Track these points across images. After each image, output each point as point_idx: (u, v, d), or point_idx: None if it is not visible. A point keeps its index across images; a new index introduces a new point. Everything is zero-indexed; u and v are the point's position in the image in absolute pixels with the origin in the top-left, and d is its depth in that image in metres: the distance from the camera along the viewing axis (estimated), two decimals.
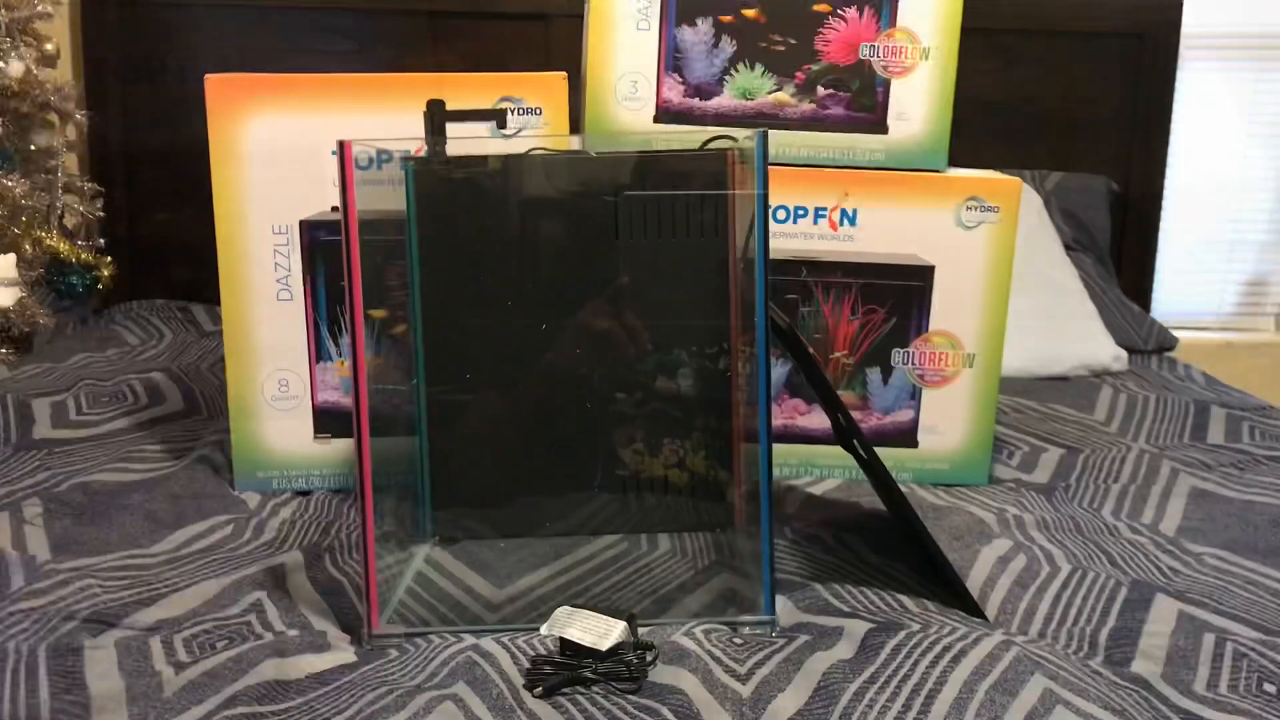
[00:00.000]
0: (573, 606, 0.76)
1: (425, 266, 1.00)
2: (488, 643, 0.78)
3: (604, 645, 0.72)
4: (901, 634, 0.76)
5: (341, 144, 0.79)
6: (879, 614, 0.82)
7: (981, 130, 1.98)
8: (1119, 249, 2.15)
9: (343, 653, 0.78)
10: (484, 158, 0.99)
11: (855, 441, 0.91)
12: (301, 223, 1.11)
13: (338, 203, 1.12)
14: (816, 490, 1.15)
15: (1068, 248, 1.97)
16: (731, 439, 1.04)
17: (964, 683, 0.70)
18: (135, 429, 1.27)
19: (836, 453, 1.20)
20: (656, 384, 1.02)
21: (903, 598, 0.86)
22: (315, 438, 1.14)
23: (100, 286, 1.90)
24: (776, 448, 1.17)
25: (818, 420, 1.21)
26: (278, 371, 1.12)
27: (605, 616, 0.74)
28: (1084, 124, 2.13)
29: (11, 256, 1.69)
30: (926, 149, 1.19)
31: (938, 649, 0.74)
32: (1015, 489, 1.17)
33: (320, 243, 1.11)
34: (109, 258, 1.88)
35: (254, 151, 1.09)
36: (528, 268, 1.00)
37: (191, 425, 1.29)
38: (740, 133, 1.00)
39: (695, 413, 1.03)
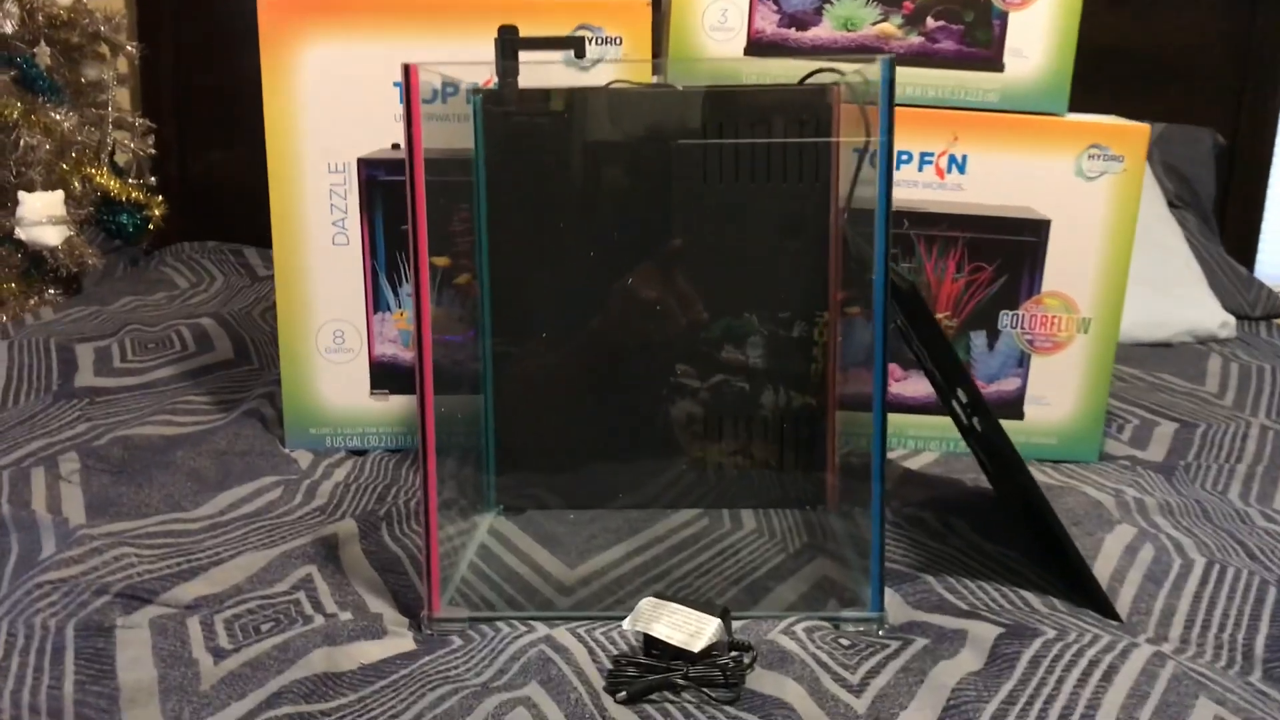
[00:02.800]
0: (659, 598, 0.67)
1: (493, 210, 0.91)
2: (562, 634, 0.69)
3: (696, 645, 0.63)
4: (1037, 642, 0.66)
5: (406, 68, 0.70)
6: (1003, 614, 0.72)
7: (1077, 76, 1.85)
8: (1223, 207, 2.01)
9: (401, 639, 0.70)
10: (559, 91, 0.90)
11: (975, 423, 0.81)
12: (359, 161, 1.02)
13: (399, 139, 1.03)
14: (913, 464, 1.05)
15: (1170, 204, 1.84)
16: (825, 408, 0.94)
17: (1121, 707, 0.60)
18: (181, 378, 1.20)
19: (933, 423, 1.10)
20: (743, 347, 0.92)
21: (1026, 594, 0.76)
22: (372, 394, 1.06)
23: (151, 226, 1.83)
24: (866, 416, 1.07)
25: (913, 387, 1.11)
26: (332, 322, 1.04)
27: (696, 611, 0.65)
28: (1189, 72, 1.98)
29: (59, 194, 1.62)
30: (1045, 90, 1.07)
31: (1083, 663, 0.64)
32: (1130, 467, 1.06)
33: (379, 183, 1.02)
34: (160, 197, 1.82)
35: (310, 82, 1.00)
36: (604, 214, 0.91)
37: (241, 376, 1.22)
38: (845, 66, 0.90)
39: (785, 379, 0.93)
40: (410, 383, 1.06)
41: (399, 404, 1.06)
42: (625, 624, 0.66)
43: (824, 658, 0.66)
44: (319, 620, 0.71)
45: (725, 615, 0.65)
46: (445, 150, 0.95)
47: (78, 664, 0.64)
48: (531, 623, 0.72)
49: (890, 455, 1.07)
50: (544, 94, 0.90)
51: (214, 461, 0.98)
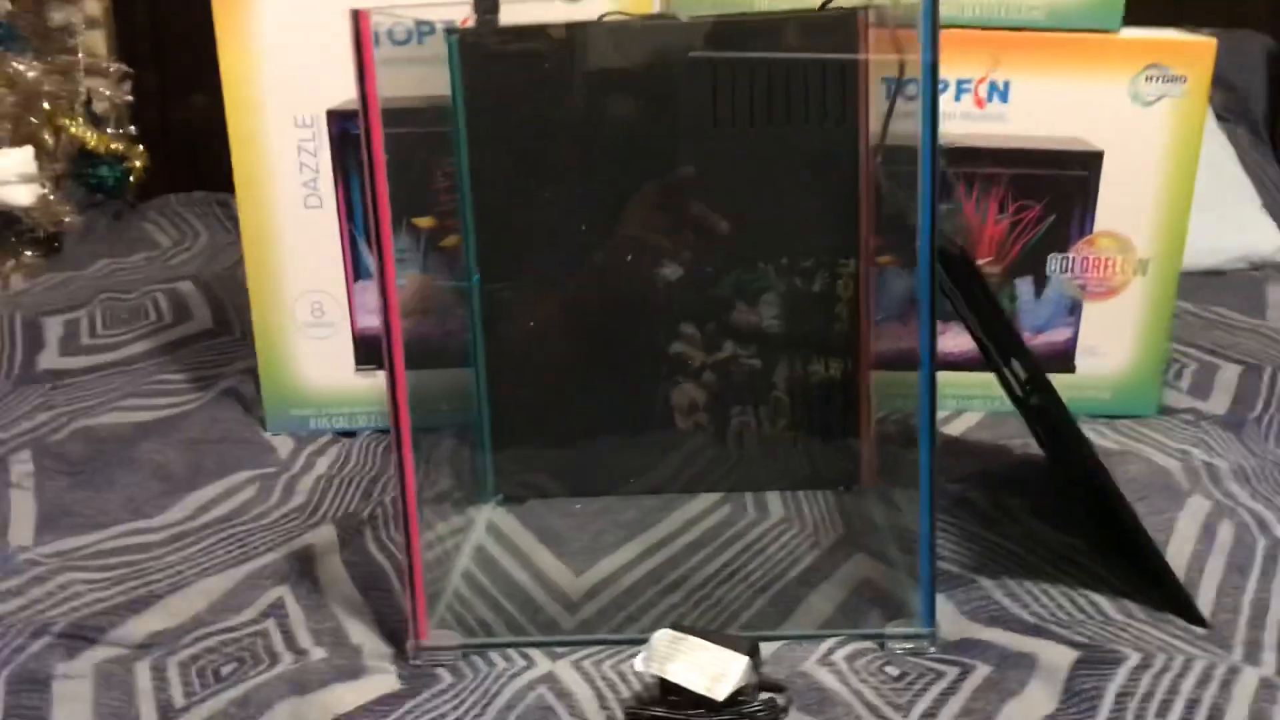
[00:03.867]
0: (677, 629, 0.57)
1: (477, 164, 0.80)
2: (565, 670, 0.60)
3: (720, 692, 0.53)
4: (1120, 674, 0.57)
5: (355, 14, 0.59)
6: (1075, 629, 0.62)
7: None
8: (1274, 121, 1.87)
9: (382, 677, 0.61)
10: (545, 27, 0.78)
11: (1033, 400, 0.71)
12: (329, 113, 0.91)
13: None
14: (955, 429, 0.95)
15: (1218, 117, 1.70)
16: (856, 373, 0.84)
17: None
18: (156, 354, 1.10)
19: (977, 381, 0.99)
20: (758, 306, 0.82)
21: (1098, 598, 0.66)
22: (357, 370, 0.96)
23: (133, 178, 1.73)
24: (902, 377, 0.97)
25: (953, 341, 1.00)
26: (309, 293, 0.94)
27: (718, 647, 0.56)
28: None
29: (28, 149, 1.52)
30: (1097, 5, 0.95)
31: (1179, 705, 0.54)
32: (1194, 422, 0.96)
33: (353, 137, 0.91)
34: (141, 146, 1.71)
35: (269, 26, 0.89)
36: (601, 164, 0.80)
37: (221, 348, 1.12)
38: None
39: (809, 340, 0.83)
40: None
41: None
42: (638, 663, 0.56)
43: (870, 696, 0.57)
44: (287, 659, 0.62)
45: (754, 651, 0.56)
46: (424, 98, 0.84)
47: None
48: (531, 653, 0.63)
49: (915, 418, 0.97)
50: (529, 31, 0.78)
51: (185, 454, 0.88)
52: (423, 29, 0.88)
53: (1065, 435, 0.69)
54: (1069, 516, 0.77)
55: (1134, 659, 0.58)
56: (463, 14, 0.86)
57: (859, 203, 0.81)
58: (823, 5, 0.79)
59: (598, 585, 0.71)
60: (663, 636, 0.57)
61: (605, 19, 0.81)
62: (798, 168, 0.80)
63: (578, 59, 0.78)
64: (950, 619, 0.65)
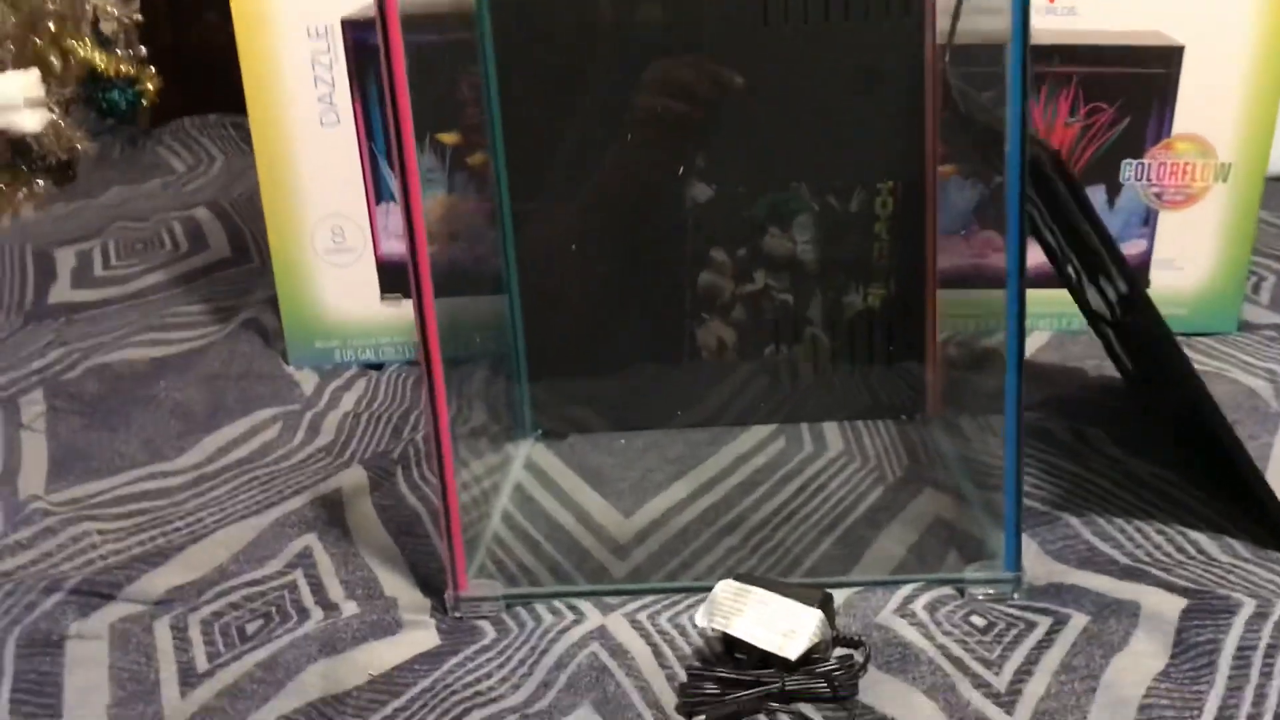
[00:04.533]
0: (739, 580, 0.52)
1: (505, 73, 0.74)
2: (618, 624, 0.55)
3: (792, 650, 0.48)
4: (1237, 624, 0.51)
5: None
6: (1175, 570, 0.57)
7: None
8: None
9: (421, 631, 0.56)
10: None
11: (1126, 318, 0.64)
12: (344, 22, 0.84)
13: None
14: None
15: None
16: (920, 292, 0.78)
17: None
18: (172, 284, 1.05)
19: (1042, 298, 0.93)
20: (813, 222, 0.76)
21: (1197, 536, 0.61)
22: (383, 298, 0.90)
23: (145, 102, 1.67)
24: (968, 296, 0.91)
25: None
26: (329, 218, 0.88)
27: (788, 599, 0.50)
28: None
29: (34, 72, 1.45)
30: None
31: None
32: (1278, 338, 0.89)
33: (370, 47, 0.85)
34: (152, 68, 1.65)
35: None
36: (641, 68, 0.73)
37: (239, 277, 1.07)
38: None
39: (868, 258, 0.77)
40: None
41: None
42: (699, 618, 0.51)
43: (956, 650, 0.52)
44: (317, 614, 0.57)
45: (827, 603, 0.51)
46: (446, 2, 0.77)
47: (14, 698, 0.52)
48: (579, 604, 0.58)
49: (988, 340, 0.90)
50: None
51: (204, 390, 0.84)
52: None
53: (1164, 356, 0.62)
54: (1155, 445, 0.71)
55: (1249, 606, 0.52)
56: None
57: (921, 108, 0.75)
58: None
59: (647, 528, 0.66)
60: (726, 588, 0.52)
61: None
62: (856, 71, 0.73)
63: None
64: (1035, 561, 0.59)
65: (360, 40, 0.84)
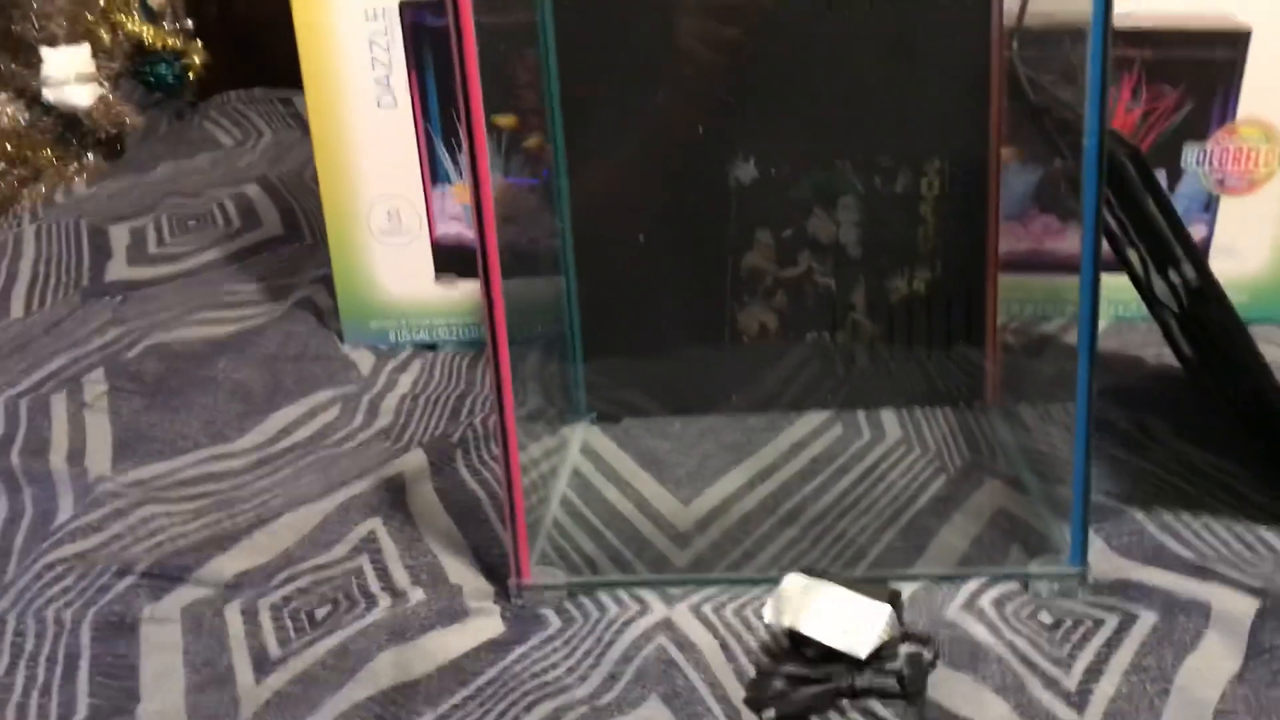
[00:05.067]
0: (806, 574, 0.52)
1: (566, 55, 0.73)
2: (683, 616, 0.55)
3: (861, 648, 0.48)
4: None
5: None
6: (1246, 568, 0.56)
7: None
8: None
9: (486, 619, 0.57)
10: None
11: (1201, 305, 0.64)
12: (401, 4, 0.84)
13: None
14: (1072, 338, 0.87)
15: None
16: (979, 277, 0.77)
17: None
18: (226, 262, 1.06)
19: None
20: (872, 205, 0.75)
21: (1267, 534, 0.60)
22: (437, 279, 0.91)
23: (192, 76, 1.68)
24: (1019, 280, 0.90)
25: (1073, 242, 0.92)
26: (384, 199, 0.88)
27: (856, 595, 0.50)
28: None
29: (85, 48, 1.46)
30: None
31: None
32: None
33: (428, 29, 0.84)
34: (199, 42, 1.65)
35: None
36: (706, 48, 0.73)
37: (292, 255, 1.07)
38: None
39: (928, 242, 0.76)
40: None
41: (469, 290, 0.91)
42: (767, 613, 0.52)
43: (1025, 649, 0.52)
44: (385, 602, 0.58)
45: (896, 599, 0.51)
46: None
47: (94, 681, 0.52)
48: (643, 594, 0.58)
49: (1047, 327, 0.90)
50: None
51: (262, 371, 0.84)
52: None
53: (1234, 347, 0.62)
54: (1220, 438, 0.70)
55: None
56: None
57: (986, 91, 0.74)
58: None
59: (708, 516, 0.66)
60: (793, 582, 0.52)
61: None
62: (919, 53, 0.73)
63: None
64: (1101, 556, 0.59)
65: (418, 22, 0.84)
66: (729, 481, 0.69)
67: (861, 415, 0.77)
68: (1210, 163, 0.89)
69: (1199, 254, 0.63)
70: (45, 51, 1.42)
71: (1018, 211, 0.90)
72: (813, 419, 0.76)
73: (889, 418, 0.76)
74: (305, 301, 0.96)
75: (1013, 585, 0.57)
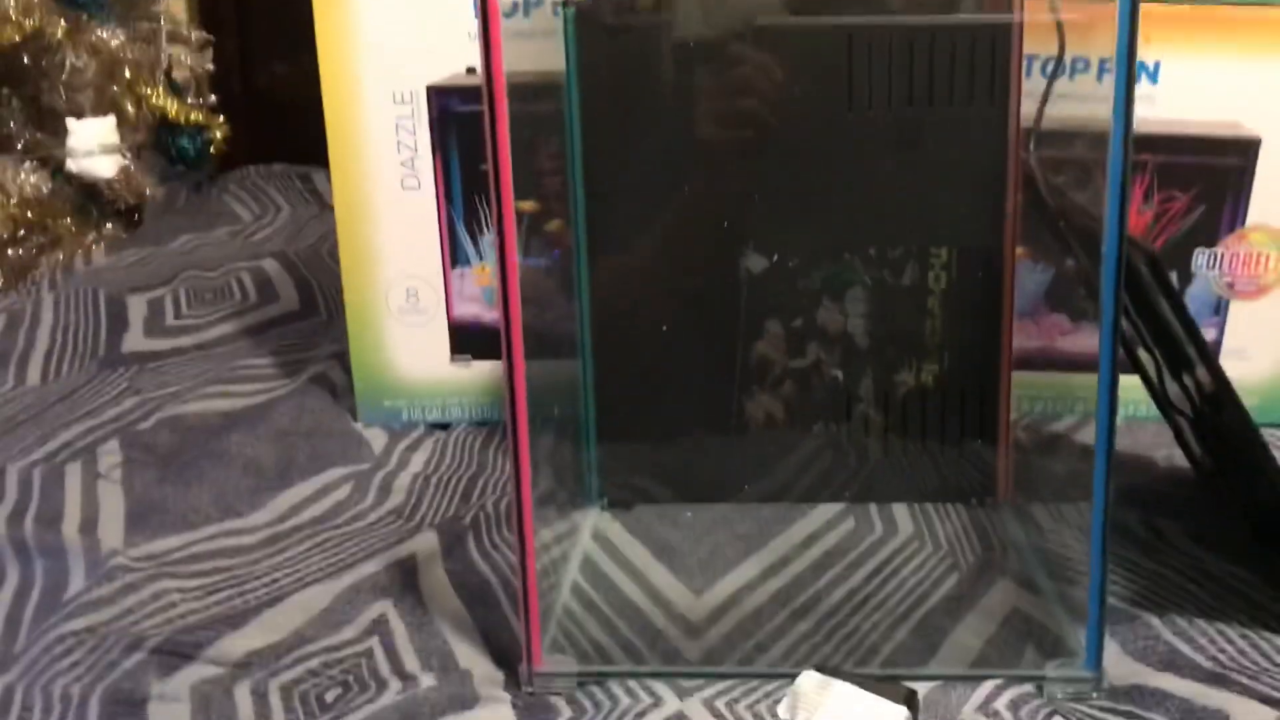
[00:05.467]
0: (822, 673, 0.52)
1: (589, 145, 0.75)
2: (696, 710, 0.55)
3: None
4: None
5: None
6: (1263, 677, 0.56)
7: None
8: None
9: (496, 706, 0.56)
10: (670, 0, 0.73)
11: (1207, 410, 0.64)
12: (430, 89, 0.86)
13: (475, 62, 0.86)
14: (1087, 436, 0.87)
15: None
16: (994, 375, 0.78)
17: None
18: (241, 336, 1.07)
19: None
20: (885, 299, 0.76)
21: None
22: (452, 359, 0.91)
23: (213, 149, 1.70)
24: (1039, 379, 0.91)
25: (1084, 341, 0.93)
26: (405, 279, 0.89)
27: (872, 695, 0.50)
28: None
29: (111, 119, 1.49)
30: None
31: None
32: None
33: (454, 115, 0.86)
34: (221, 116, 1.68)
35: None
36: (726, 143, 0.74)
37: (308, 330, 1.08)
38: None
39: (943, 337, 0.77)
40: (495, 346, 0.91)
41: (483, 370, 0.92)
42: (782, 711, 0.51)
43: None
44: (395, 685, 0.57)
45: (912, 700, 0.51)
46: (528, 74, 0.78)
47: None
48: (655, 686, 0.58)
49: (1059, 425, 0.90)
50: (652, 4, 0.73)
51: (275, 446, 0.84)
52: (530, 1, 0.82)
53: (1247, 452, 0.62)
54: (1233, 542, 0.70)
55: None
56: None
57: (1003, 192, 0.75)
58: None
59: (720, 608, 0.66)
60: (808, 680, 0.52)
61: None
62: (936, 153, 0.74)
63: (706, 33, 0.72)
64: (1115, 660, 0.59)
65: (444, 107, 0.86)
66: (741, 573, 0.69)
67: (874, 509, 0.77)
68: (1220, 267, 0.90)
69: (1213, 358, 0.63)
70: (71, 122, 1.45)
71: (1029, 309, 0.91)
72: (825, 511, 0.76)
73: (901, 512, 0.76)
74: (320, 377, 0.97)
75: (1027, 688, 0.57)
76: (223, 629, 0.61)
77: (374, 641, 0.61)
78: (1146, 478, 0.80)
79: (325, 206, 1.53)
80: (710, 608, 0.66)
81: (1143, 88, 0.88)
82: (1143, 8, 0.86)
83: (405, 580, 0.67)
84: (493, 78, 0.55)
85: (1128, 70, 0.52)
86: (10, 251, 1.37)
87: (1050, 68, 0.80)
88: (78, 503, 0.75)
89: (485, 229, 0.89)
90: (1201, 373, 0.64)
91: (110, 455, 0.82)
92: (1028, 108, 0.74)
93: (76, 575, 0.66)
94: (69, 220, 1.47)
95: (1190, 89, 0.87)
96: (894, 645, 0.61)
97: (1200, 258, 0.91)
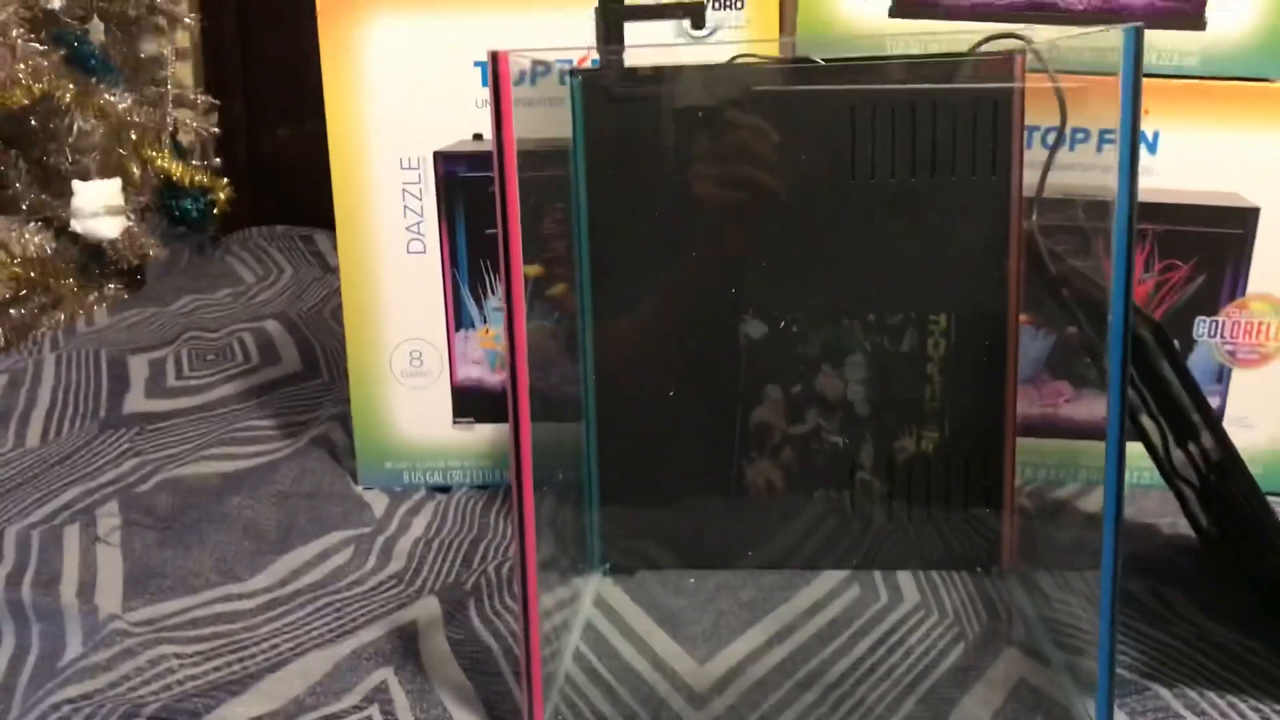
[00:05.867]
0: None
1: (595, 210, 0.76)
2: None
3: None
4: None
5: (494, 56, 0.54)
6: None
7: None
8: None
9: None
10: (674, 69, 0.74)
11: (1213, 479, 0.64)
12: (436, 155, 0.87)
13: (481, 128, 0.87)
14: (1092, 505, 0.87)
15: None
16: (998, 442, 0.78)
17: None
18: (243, 397, 1.07)
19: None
20: (885, 365, 0.76)
21: None
22: (455, 423, 0.91)
23: (216, 211, 1.72)
24: (1030, 444, 0.91)
25: (1087, 409, 0.93)
26: (409, 342, 0.90)
27: None
28: None
29: (116, 182, 1.50)
30: (1256, 51, 0.88)
31: None
32: None
33: (460, 180, 0.87)
34: (225, 179, 1.70)
35: (376, 62, 0.85)
36: (729, 214, 0.75)
37: (309, 392, 1.08)
38: (1029, 30, 0.72)
39: (945, 404, 0.77)
40: (498, 410, 0.91)
41: (485, 434, 0.92)
42: None
43: None
44: None
45: None
46: (535, 140, 0.79)
47: None
48: None
49: (1061, 493, 0.90)
50: (657, 73, 0.74)
51: (276, 509, 0.84)
52: (537, 69, 0.83)
53: (1256, 522, 0.62)
54: (1240, 613, 0.69)
55: None
56: (580, 54, 0.82)
57: (1005, 259, 0.75)
58: (974, 48, 0.74)
59: (724, 677, 0.65)
60: None
61: (738, 61, 0.77)
62: (938, 220, 0.75)
63: (710, 103, 0.73)
64: None
65: (451, 172, 0.87)
66: (746, 641, 0.68)
67: (879, 577, 0.76)
68: (1221, 335, 0.91)
69: (1219, 425, 0.63)
70: (77, 184, 1.46)
71: (1030, 375, 0.91)
72: (829, 579, 0.76)
73: (906, 580, 0.76)
74: (321, 439, 0.96)
75: None
76: (222, 696, 0.60)
77: (374, 710, 0.60)
78: (1151, 545, 0.80)
79: (328, 269, 1.54)
80: (715, 676, 0.65)
81: (1143, 158, 0.89)
82: (1143, 83, 0.88)
83: (406, 647, 0.66)
84: (503, 144, 0.56)
85: (1132, 139, 0.52)
86: (12, 311, 1.38)
87: (1048, 138, 0.81)
88: (76, 566, 0.75)
89: (489, 293, 0.89)
90: (1207, 440, 0.64)
91: (109, 518, 0.81)
92: (1029, 176, 0.75)
93: (74, 640, 0.66)
94: (71, 280, 1.47)
95: (1189, 160, 0.88)
96: (902, 716, 0.61)
97: (1201, 326, 0.91)
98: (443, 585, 0.74)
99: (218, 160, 1.74)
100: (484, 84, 0.86)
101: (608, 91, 0.74)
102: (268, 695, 0.61)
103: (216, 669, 0.64)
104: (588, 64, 0.82)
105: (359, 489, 0.89)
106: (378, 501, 0.87)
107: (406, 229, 0.87)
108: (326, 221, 1.75)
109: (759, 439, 0.78)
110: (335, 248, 1.62)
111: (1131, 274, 0.54)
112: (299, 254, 1.60)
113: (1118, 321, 0.54)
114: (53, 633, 0.67)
